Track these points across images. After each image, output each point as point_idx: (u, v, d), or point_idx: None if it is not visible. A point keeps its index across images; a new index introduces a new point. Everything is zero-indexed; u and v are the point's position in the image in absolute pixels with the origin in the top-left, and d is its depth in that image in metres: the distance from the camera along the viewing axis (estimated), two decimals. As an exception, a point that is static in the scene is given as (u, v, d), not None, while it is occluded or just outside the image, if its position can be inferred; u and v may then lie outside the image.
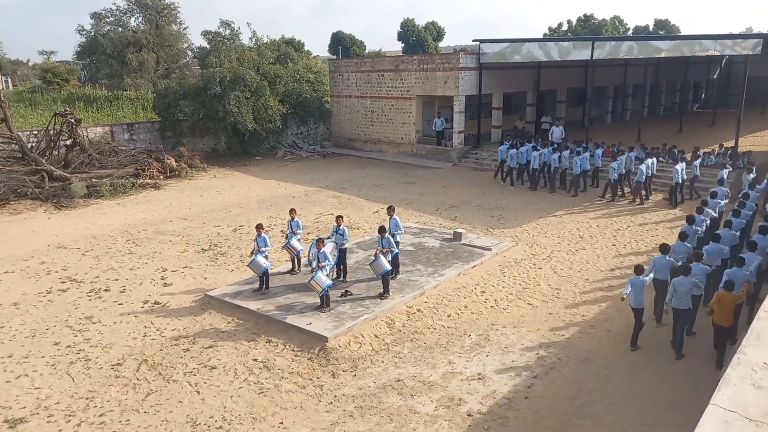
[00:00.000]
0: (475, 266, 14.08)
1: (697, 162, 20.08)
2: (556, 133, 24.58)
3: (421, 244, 15.70)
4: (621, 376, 9.40)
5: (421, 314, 11.73)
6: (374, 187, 23.12)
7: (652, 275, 10.58)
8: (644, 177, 19.49)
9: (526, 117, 31.63)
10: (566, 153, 21.54)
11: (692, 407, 8.26)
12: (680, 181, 18.97)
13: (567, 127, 26.86)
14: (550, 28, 78.39)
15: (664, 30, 76.03)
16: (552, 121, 30.44)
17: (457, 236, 15.85)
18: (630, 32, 75.37)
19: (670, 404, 8.59)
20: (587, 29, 73.16)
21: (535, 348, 10.38)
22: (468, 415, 8.45)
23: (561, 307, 12.13)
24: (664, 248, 10.78)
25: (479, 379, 9.38)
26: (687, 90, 43.19)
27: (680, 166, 18.86)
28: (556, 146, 22.25)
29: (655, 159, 20.36)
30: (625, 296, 10.18)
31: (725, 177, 16.92)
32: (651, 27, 78.64)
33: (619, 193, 20.33)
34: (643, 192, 19.78)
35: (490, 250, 15.04)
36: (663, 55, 22.69)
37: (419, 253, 14.93)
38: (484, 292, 12.85)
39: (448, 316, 11.73)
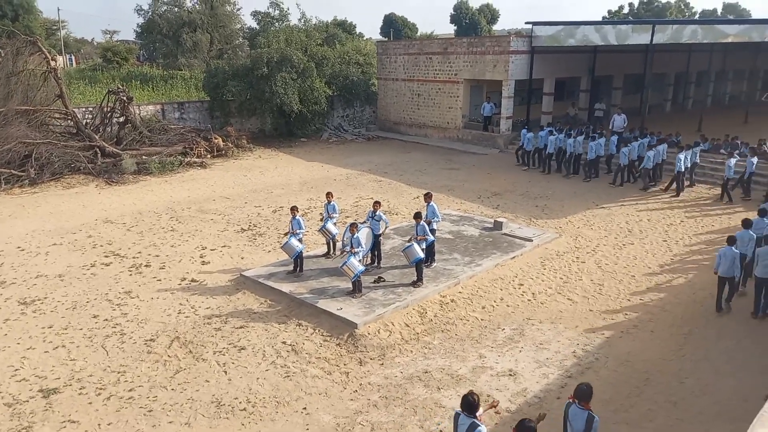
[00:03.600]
0: (514, 257, 13.64)
1: (698, 149, 19.97)
2: (618, 121, 23.56)
3: (459, 232, 15.34)
4: (662, 383, 8.83)
5: (454, 305, 11.42)
6: (416, 173, 22.84)
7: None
8: (651, 163, 19.30)
9: (579, 104, 30.42)
10: (580, 138, 21.58)
11: (738, 421, 7.65)
12: (732, 175, 18.43)
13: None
14: (609, 11, 75.11)
15: (734, 14, 71.63)
16: (607, 108, 29.23)
17: (498, 225, 15.40)
18: (696, 16, 71.33)
19: (715, 415, 7.99)
20: (650, 12, 69.69)
21: (572, 346, 9.91)
22: (496, 412, 8.11)
23: (603, 304, 11.56)
24: (746, 223, 11.43)
25: (510, 375, 9.02)
26: (756, 79, 40.58)
27: (683, 154, 18.66)
28: (570, 131, 22.27)
29: (665, 146, 20.17)
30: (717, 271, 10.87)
31: None
32: (719, 11, 74.27)
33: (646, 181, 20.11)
34: (647, 179, 19.73)
35: (532, 241, 14.53)
36: (730, 40, 21.19)
37: (457, 241, 14.59)
38: (522, 284, 12.41)
39: (483, 307, 11.37)
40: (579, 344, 9.98)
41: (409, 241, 11.95)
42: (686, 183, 19.69)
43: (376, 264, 12.84)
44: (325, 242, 13.88)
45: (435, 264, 12.87)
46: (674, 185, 19.17)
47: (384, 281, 12.04)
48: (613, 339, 10.18)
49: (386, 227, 12.69)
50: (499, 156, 25.78)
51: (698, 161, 20.13)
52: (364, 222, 12.88)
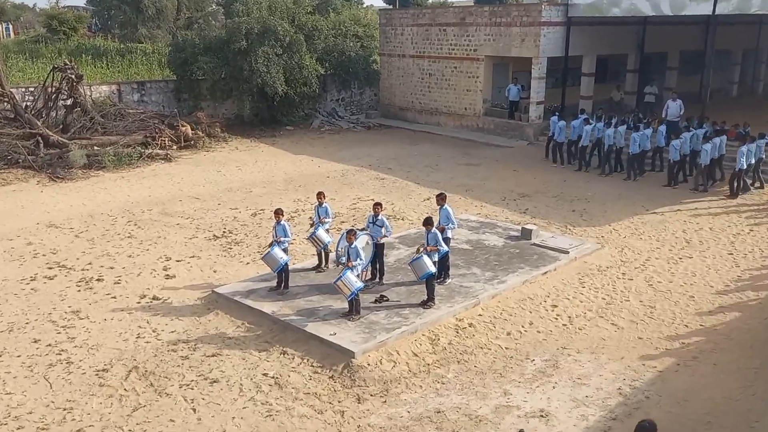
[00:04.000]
0: (546, 273, 13.70)
1: (763, 142, 20.03)
2: (672, 108, 23.68)
3: (479, 241, 15.39)
4: (727, 427, 8.81)
5: (473, 330, 11.44)
6: (427, 169, 22.98)
7: None
8: (708, 159, 19.54)
9: (625, 86, 30.52)
10: (622, 129, 21.87)
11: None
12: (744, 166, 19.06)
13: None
14: (663, -25, 75.21)
15: (815, -21, 71.57)
16: (659, 92, 29.27)
17: (527, 234, 15.45)
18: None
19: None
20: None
21: (617, 381, 9.90)
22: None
23: (654, 330, 11.56)
24: None
25: (541, 416, 9.02)
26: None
27: (745, 148, 18.93)
28: (611, 119, 22.59)
29: (724, 138, 20.35)
30: None
31: None
32: (797, -25, 74.20)
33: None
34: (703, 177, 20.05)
35: (568, 253, 14.58)
36: (810, 10, 21.26)
37: (476, 253, 14.64)
38: (555, 306, 12.44)
39: (508, 334, 11.40)
40: (625, 379, 9.97)
41: (417, 251, 11.97)
42: (754, 183, 19.79)
43: (377, 280, 12.87)
44: (315, 253, 13.91)
45: (449, 280, 12.90)
46: (737, 187, 19.21)
47: (387, 300, 12.07)
48: (667, 373, 10.17)
49: (387, 233, 12.70)
50: (527, 149, 25.87)
51: (764, 157, 20.16)
52: (364, 229, 12.91)
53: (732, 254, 15.02)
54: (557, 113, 24.10)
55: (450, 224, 12.74)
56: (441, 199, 13.00)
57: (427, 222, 12.06)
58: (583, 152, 22.56)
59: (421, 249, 11.95)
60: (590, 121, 22.43)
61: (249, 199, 19.35)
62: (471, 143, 27.12)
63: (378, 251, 12.73)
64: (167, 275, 13.74)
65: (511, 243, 15.25)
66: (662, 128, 21.96)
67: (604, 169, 22.02)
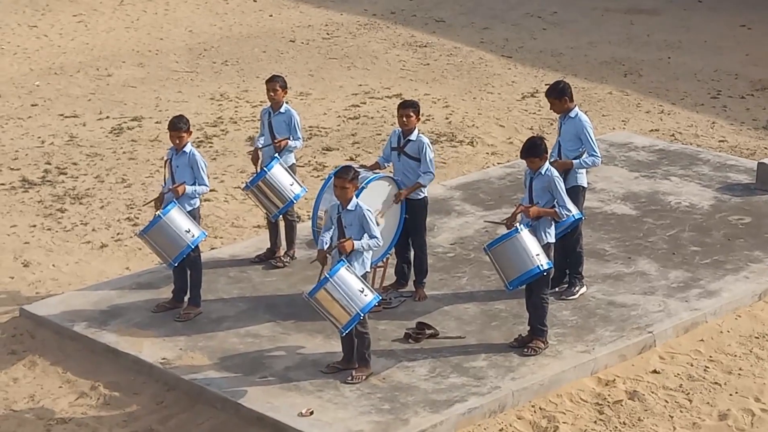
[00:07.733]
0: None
1: None
2: None
3: (655, 196, 15.64)
4: None
5: (639, 406, 10.62)
6: (531, 21, 24.58)
7: None
8: None
9: None
10: None
11: None
12: None
13: None
14: None
15: None
16: None
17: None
18: None
19: None
20: None
21: None
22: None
23: None
24: None
25: None
26: None
27: None
28: None
29: None
30: None
31: None
32: None
33: None
34: None
35: None
36: None
37: (648, 224, 14.73)
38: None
39: (722, 417, 10.51)
40: None
41: (508, 222, 11.08)
42: None
43: (414, 285, 12.64)
44: (264, 223, 14.16)
45: (582, 289, 12.57)
46: None
47: (435, 336, 11.54)
48: None
49: (429, 173, 12.11)
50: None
51: None
52: (377, 166, 12.59)
53: None
54: None
55: (587, 155, 12.13)
56: (561, 96, 12.30)
57: (532, 150, 11.06)
58: None
59: (519, 214, 11.09)
60: None
61: (104, 93, 20.59)
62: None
63: (412, 218, 12.31)
64: None
65: (731, 200, 15.54)
66: None
67: None
